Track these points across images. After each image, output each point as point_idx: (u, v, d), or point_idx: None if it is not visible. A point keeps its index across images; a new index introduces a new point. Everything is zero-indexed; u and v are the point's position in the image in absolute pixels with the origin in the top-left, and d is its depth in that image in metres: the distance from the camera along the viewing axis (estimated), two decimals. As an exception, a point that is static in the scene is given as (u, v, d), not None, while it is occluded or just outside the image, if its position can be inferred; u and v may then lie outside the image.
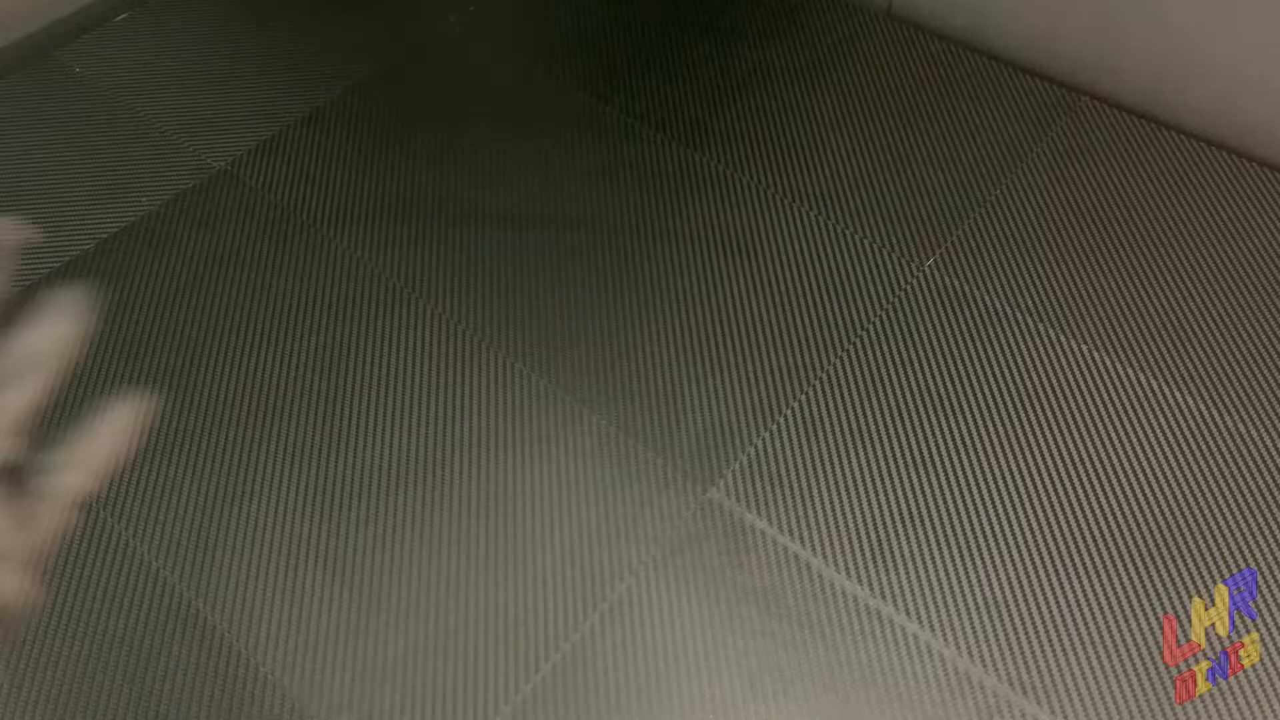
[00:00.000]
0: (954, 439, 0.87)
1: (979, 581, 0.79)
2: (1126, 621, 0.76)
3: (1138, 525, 0.81)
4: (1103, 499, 0.83)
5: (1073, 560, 0.80)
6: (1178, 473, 0.84)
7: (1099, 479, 0.84)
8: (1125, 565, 0.79)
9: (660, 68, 1.20)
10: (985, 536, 0.81)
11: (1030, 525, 0.82)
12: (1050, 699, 0.73)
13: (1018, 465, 0.85)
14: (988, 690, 0.74)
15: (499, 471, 0.86)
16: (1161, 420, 0.87)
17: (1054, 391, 0.89)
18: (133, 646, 0.77)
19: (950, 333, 0.94)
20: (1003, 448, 0.86)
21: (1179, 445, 0.85)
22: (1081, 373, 0.90)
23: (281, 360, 0.94)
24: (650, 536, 0.82)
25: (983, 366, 0.91)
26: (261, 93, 1.19)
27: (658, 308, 0.97)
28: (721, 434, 0.88)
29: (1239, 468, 0.84)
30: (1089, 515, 0.82)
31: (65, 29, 1.25)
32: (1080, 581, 0.78)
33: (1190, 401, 0.88)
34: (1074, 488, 0.83)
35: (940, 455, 0.86)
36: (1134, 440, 0.86)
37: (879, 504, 0.83)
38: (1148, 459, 0.85)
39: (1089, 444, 0.86)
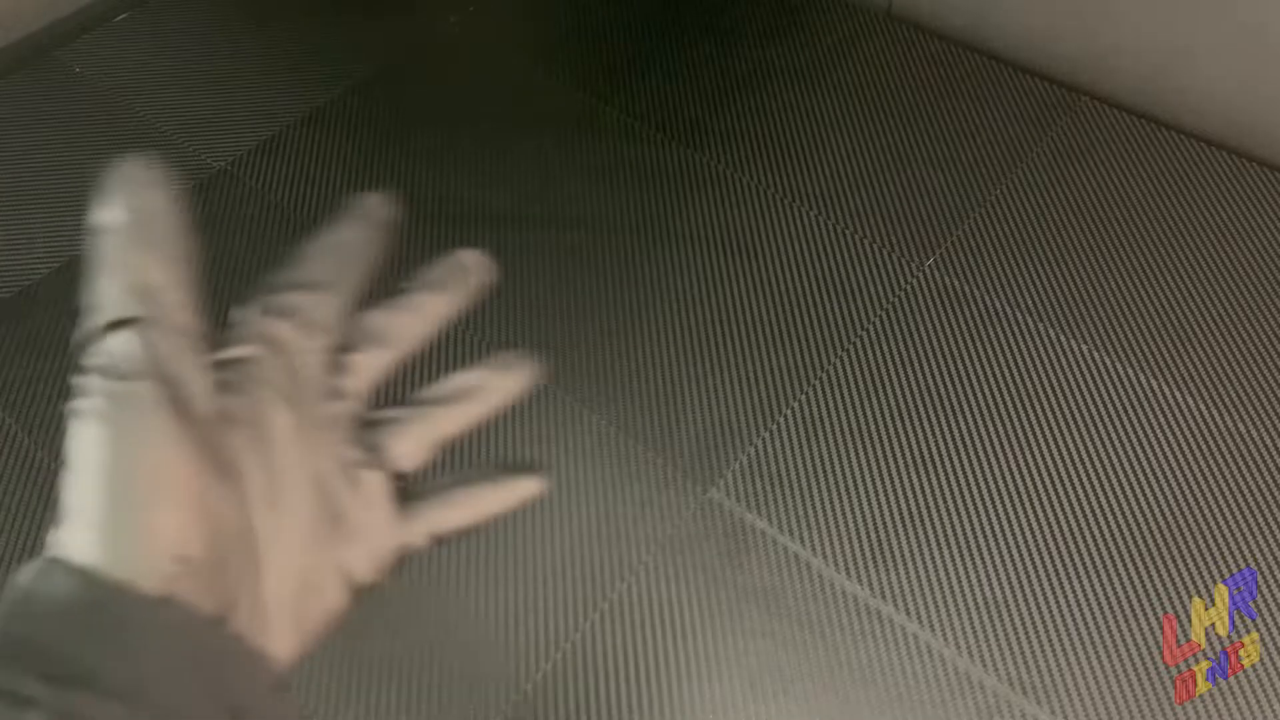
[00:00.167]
0: (954, 439, 0.87)
1: (979, 581, 0.79)
2: (1126, 621, 0.76)
3: (1138, 525, 0.81)
4: (1103, 499, 0.83)
5: (1073, 560, 0.80)
6: (1178, 473, 0.84)
7: (1099, 479, 0.84)
8: (1125, 565, 0.79)
9: (660, 68, 1.20)
10: (985, 536, 0.81)
11: (1030, 525, 0.82)
12: (1050, 699, 0.73)
13: (1018, 465, 0.85)
14: (988, 690, 0.74)
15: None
16: (1161, 420, 0.87)
17: (1054, 391, 0.89)
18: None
19: (950, 333, 0.94)
20: (1003, 448, 0.86)
21: (1179, 445, 0.85)
22: (1081, 373, 0.90)
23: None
24: (650, 536, 0.82)
25: (983, 366, 0.91)
26: (261, 93, 1.19)
27: (658, 308, 0.97)
28: (721, 434, 0.88)
29: (1239, 468, 0.84)
30: (1089, 515, 0.82)
31: (65, 29, 1.25)
32: (1080, 581, 0.78)
33: (1190, 401, 0.88)
34: (1074, 487, 0.83)
35: (940, 455, 0.86)
36: (1134, 440, 0.86)
37: (879, 504, 0.83)
38: (1148, 459, 0.85)
39: (1089, 444, 0.86)
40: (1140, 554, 0.80)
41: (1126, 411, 0.88)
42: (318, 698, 0.75)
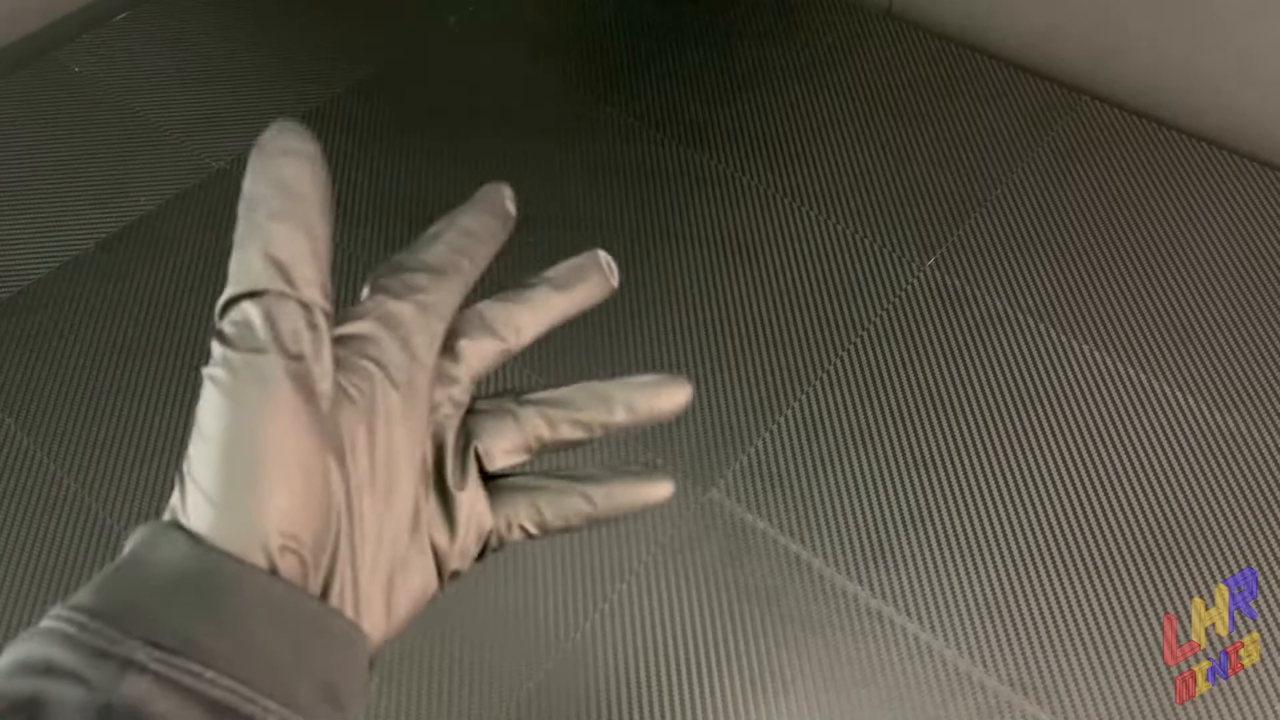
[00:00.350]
0: (955, 439, 0.87)
1: (979, 582, 0.79)
2: (1127, 621, 0.76)
3: (1138, 525, 0.81)
4: (1103, 499, 0.83)
5: (1073, 560, 0.80)
6: (1178, 473, 0.84)
7: (1099, 479, 0.84)
8: (1125, 565, 0.79)
9: (660, 68, 1.20)
10: (985, 537, 0.81)
11: (1030, 526, 0.81)
12: (1050, 699, 0.73)
13: (1018, 466, 0.85)
14: (988, 690, 0.74)
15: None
16: (1162, 420, 0.87)
17: (1054, 391, 0.89)
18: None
19: (951, 333, 0.94)
20: (1003, 448, 0.86)
21: (1179, 445, 0.85)
22: (1082, 373, 0.90)
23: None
24: (650, 537, 0.82)
25: (983, 366, 0.91)
26: (261, 93, 1.19)
27: (657, 307, 0.97)
28: (721, 434, 0.88)
29: (1239, 468, 0.84)
30: (1089, 515, 0.82)
31: (65, 29, 1.25)
32: (1080, 582, 0.78)
33: (1190, 401, 0.88)
34: (1074, 488, 0.83)
35: (941, 456, 0.86)
36: (1134, 440, 0.86)
37: (879, 504, 0.83)
38: (1148, 459, 0.85)
39: (1089, 444, 0.86)
40: (1140, 554, 0.80)
41: (1127, 411, 0.88)
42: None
